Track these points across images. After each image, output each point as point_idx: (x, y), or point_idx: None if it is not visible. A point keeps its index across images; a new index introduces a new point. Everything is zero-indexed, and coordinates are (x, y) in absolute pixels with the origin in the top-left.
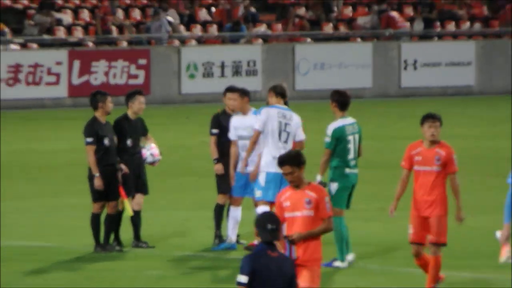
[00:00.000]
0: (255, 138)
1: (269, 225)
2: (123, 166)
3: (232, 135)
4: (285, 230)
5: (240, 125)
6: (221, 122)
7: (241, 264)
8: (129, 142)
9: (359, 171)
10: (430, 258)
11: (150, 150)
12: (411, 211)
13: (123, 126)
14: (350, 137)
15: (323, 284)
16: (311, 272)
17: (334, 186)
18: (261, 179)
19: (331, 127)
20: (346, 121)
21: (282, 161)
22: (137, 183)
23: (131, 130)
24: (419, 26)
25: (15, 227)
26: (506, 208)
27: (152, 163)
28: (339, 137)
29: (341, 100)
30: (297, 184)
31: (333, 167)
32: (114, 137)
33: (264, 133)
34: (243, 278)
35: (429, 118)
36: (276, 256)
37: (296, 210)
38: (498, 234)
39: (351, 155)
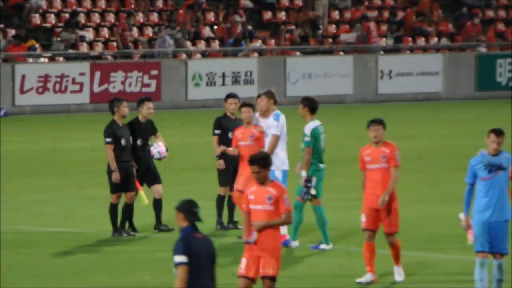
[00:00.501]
0: (276, 143)
1: (194, 208)
2: (132, 162)
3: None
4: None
5: (263, 125)
6: (222, 124)
7: (176, 247)
8: (139, 141)
9: (337, 166)
10: (390, 248)
11: (158, 148)
12: (363, 202)
13: (134, 127)
14: (322, 136)
15: (311, 264)
16: (274, 259)
17: (314, 180)
18: (279, 175)
19: (309, 128)
20: (317, 122)
21: (252, 161)
22: (147, 176)
23: (141, 131)
24: (390, 41)
25: (44, 215)
26: (464, 203)
27: (159, 159)
28: (316, 136)
29: (312, 105)
30: (262, 181)
31: (311, 163)
32: (130, 138)
33: (280, 137)
34: (183, 258)
35: (372, 122)
36: (201, 237)
37: (258, 203)
38: (461, 215)
39: (322, 152)
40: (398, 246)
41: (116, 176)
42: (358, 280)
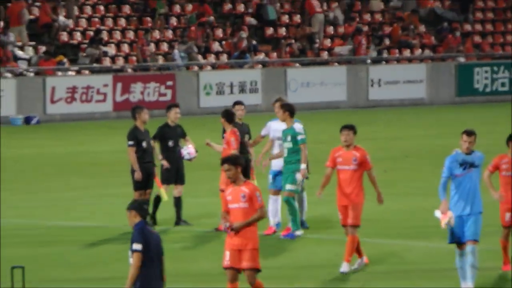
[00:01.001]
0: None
1: (144, 206)
2: (164, 162)
3: (271, 135)
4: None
5: (279, 128)
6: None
7: (134, 236)
8: (170, 143)
9: None
10: (348, 237)
11: (187, 149)
12: (337, 201)
13: (165, 131)
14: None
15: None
16: (254, 251)
17: (300, 176)
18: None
19: (300, 127)
20: (301, 124)
21: (224, 160)
22: (177, 175)
23: (171, 134)
24: (373, 53)
25: (72, 211)
26: (440, 191)
27: (189, 160)
28: (305, 134)
29: (291, 109)
30: (234, 180)
31: (297, 160)
32: (151, 141)
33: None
34: (139, 246)
35: (344, 128)
36: (151, 231)
37: (234, 202)
38: (437, 213)
39: None
40: (356, 240)
41: (138, 175)
42: (344, 269)
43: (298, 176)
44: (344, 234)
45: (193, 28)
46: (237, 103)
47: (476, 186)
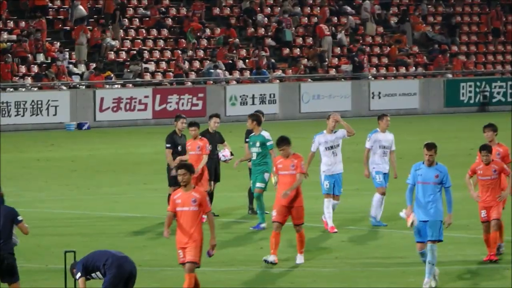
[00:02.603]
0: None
1: None
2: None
3: (313, 147)
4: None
5: (327, 139)
6: (247, 135)
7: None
8: (209, 147)
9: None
10: (297, 235)
11: (223, 152)
12: (275, 200)
13: (205, 137)
14: None
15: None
16: (198, 248)
17: (267, 175)
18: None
19: (267, 134)
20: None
21: (180, 166)
22: (215, 174)
23: (210, 139)
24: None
25: (118, 203)
26: (406, 198)
27: (225, 161)
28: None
29: (259, 119)
30: (185, 184)
31: (264, 162)
32: (185, 145)
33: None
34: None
35: (280, 143)
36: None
37: (185, 206)
38: (402, 213)
39: None
40: (303, 235)
41: (173, 173)
42: (265, 258)
43: (266, 176)
44: (274, 229)
45: (221, 48)
46: (213, 115)
47: (435, 197)
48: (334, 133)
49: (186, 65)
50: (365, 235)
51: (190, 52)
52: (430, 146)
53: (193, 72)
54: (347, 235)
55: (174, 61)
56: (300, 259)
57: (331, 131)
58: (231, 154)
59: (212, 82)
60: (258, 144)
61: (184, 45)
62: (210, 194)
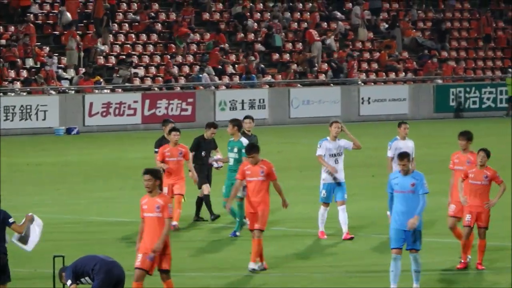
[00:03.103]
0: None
1: None
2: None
3: (320, 151)
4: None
5: (331, 146)
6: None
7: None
8: (203, 153)
9: None
10: (254, 241)
11: (215, 158)
12: (246, 207)
13: (200, 143)
14: None
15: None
16: (167, 255)
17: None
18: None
19: (246, 141)
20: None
21: (147, 171)
22: (207, 179)
23: (205, 146)
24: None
25: (109, 208)
26: (388, 206)
27: (217, 168)
28: None
29: (239, 124)
30: (151, 190)
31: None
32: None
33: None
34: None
35: (250, 151)
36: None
37: (150, 212)
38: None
39: None
40: (260, 242)
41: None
42: (252, 266)
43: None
44: (253, 237)
45: (210, 53)
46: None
47: (414, 205)
48: (338, 141)
49: (176, 70)
50: (359, 241)
51: (179, 58)
52: (403, 156)
53: (182, 77)
54: (342, 242)
55: (163, 66)
56: (254, 265)
57: (335, 138)
58: (222, 161)
59: (201, 87)
60: (235, 150)
61: (173, 49)
62: (200, 199)
